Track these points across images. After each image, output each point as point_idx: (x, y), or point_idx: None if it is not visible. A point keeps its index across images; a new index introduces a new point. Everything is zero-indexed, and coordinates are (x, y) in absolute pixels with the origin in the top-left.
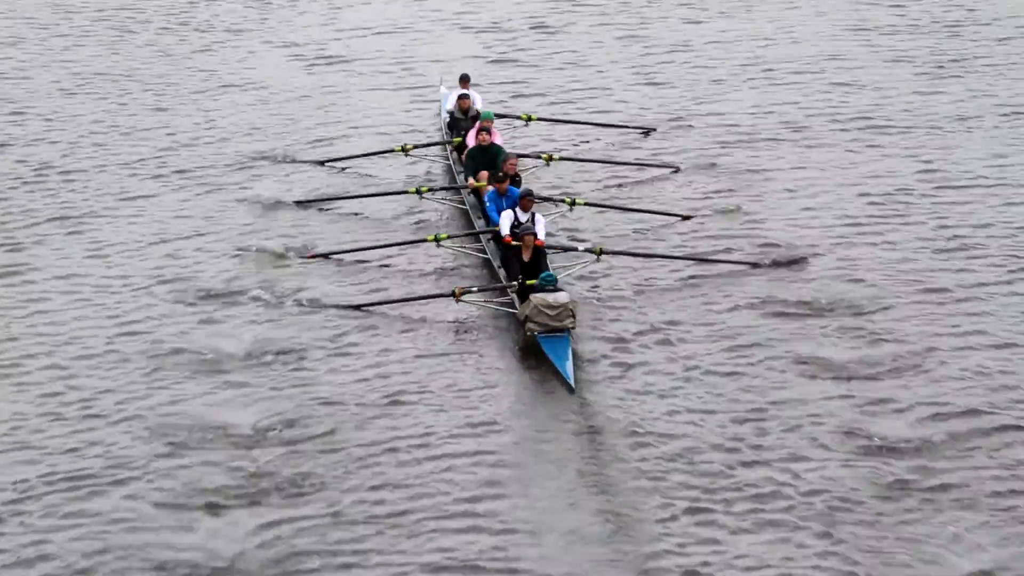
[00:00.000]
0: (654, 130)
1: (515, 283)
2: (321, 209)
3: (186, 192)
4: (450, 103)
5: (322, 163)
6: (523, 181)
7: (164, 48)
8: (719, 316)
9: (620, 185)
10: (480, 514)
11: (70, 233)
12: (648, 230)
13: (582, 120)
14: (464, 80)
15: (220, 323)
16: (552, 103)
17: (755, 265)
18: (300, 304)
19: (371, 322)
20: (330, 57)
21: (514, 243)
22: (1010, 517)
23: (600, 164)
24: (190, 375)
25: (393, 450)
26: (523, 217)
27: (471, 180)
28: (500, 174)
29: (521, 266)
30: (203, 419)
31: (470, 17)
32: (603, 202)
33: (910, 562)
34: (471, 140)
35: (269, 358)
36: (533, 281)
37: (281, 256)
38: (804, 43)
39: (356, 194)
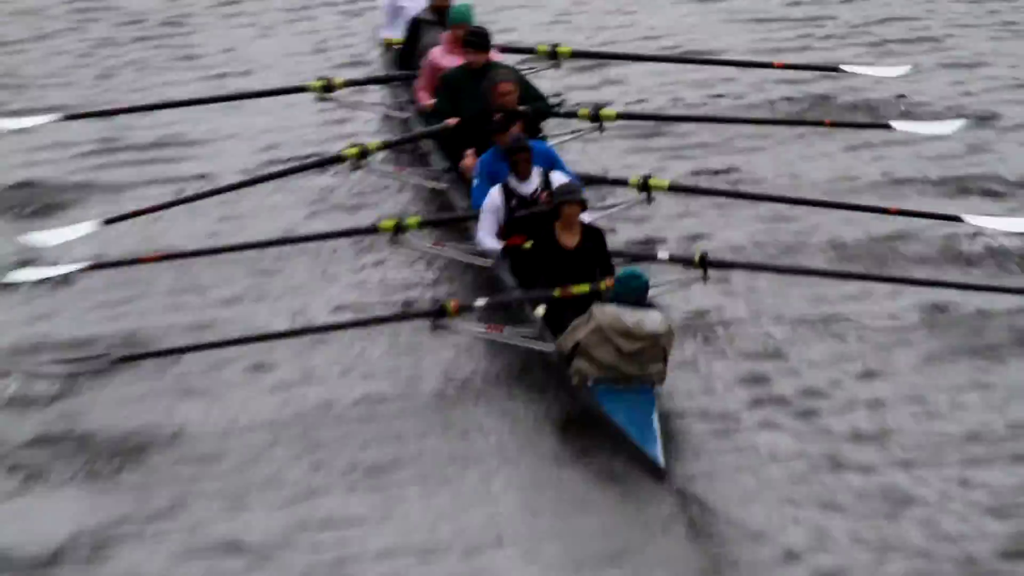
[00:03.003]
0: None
1: (552, 293)
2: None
3: None
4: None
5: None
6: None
7: None
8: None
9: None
10: None
11: None
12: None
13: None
14: None
15: None
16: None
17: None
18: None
19: (309, 356)
20: None
21: (526, 244)
22: None
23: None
24: None
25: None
26: (526, 187)
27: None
28: (494, 116)
29: (558, 262)
30: None
31: None
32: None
33: None
34: (441, 57)
35: None
36: (585, 288)
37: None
38: None
39: (252, 177)
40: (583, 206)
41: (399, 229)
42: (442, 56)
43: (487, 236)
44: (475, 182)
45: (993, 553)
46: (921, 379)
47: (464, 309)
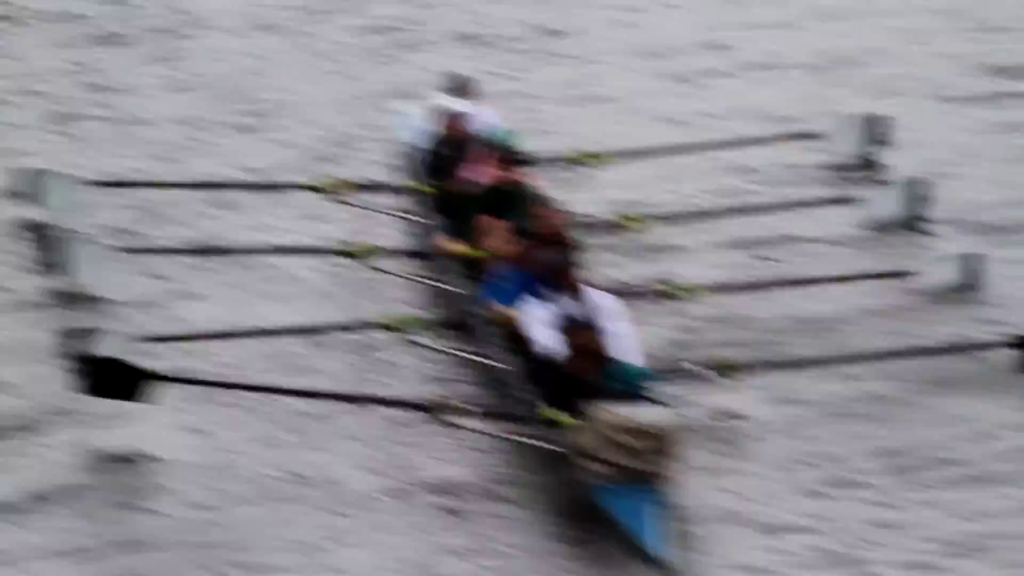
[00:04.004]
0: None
1: (545, 409)
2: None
3: None
4: (428, 123)
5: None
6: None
7: None
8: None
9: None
10: None
11: None
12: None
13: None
14: (460, 89)
15: None
16: None
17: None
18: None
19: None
20: None
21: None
22: None
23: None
24: None
25: None
26: (576, 308)
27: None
28: (528, 232)
29: (564, 383)
30: None
31: None
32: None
33: None
34: (471, 175)
35: None
36: (572, 422)
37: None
38: None
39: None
40: (597, 336)
41: (399, 328)
42: (471, 173)
43: (543, 338)
44: (499, 287)
45: None
46: None
47: (447, 408)
